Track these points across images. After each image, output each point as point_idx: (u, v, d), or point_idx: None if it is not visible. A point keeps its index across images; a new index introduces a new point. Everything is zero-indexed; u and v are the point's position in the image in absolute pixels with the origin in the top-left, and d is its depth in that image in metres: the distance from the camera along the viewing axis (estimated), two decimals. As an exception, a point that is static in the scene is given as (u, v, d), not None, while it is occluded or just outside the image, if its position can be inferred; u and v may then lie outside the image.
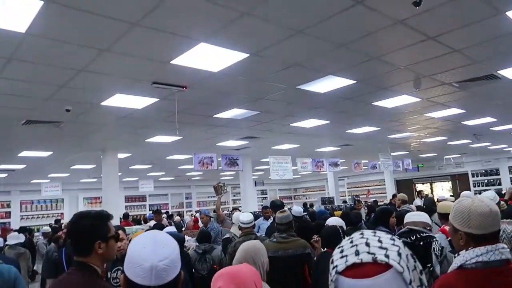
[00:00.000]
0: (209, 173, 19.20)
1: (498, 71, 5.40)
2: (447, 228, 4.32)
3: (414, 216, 3.47)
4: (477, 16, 3.63)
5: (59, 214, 18.09)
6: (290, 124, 8.24)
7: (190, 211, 21.76)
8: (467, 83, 5.86)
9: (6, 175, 13.31)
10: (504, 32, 4.09)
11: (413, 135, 11.04)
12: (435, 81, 5.67)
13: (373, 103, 6.82)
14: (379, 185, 22.92)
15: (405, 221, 3.46)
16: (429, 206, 7.52)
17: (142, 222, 11.30)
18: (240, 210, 7.65)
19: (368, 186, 23.03)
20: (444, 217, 3.97)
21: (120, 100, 5.51)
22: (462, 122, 9.41)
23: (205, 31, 3.56)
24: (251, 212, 7.03)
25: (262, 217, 7.53)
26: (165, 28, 3.43)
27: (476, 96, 6.77)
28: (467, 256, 1.63)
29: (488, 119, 9.20)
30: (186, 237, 7.05)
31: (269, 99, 6.05)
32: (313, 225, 5.50)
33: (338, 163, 11.07)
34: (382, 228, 4.25)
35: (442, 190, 22.56)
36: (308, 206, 13.92)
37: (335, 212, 6.67)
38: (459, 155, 18.59)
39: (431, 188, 22.74)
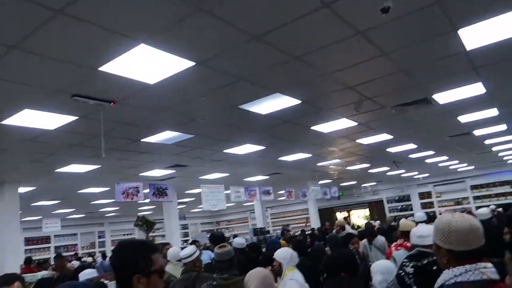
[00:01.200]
0: (125, 208, 17.65)
1: (433, 95, 5.55)
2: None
3: (425, 236, 2.92)
4: (433, 31, 3.57)
5: None
6: (224, 151, 7.73)
7: (103, 251, 19.64)
8: (403, 108, 5.96)
9: None
10: (448, 53, 4.14)
11: (339, 162, 11.22)
12: (375, 104, 5.65)
13: (311, 127, 6.65)
14: (302, 214, 23.21)
15: (412, 242, 3.09)
16: (371, 230, 7.43)
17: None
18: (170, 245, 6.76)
19: (291, 216, 23.16)
20: (405, 234, 4.32)
21: (28, 118, 4.53)
22: (387, 149, 9.76)
23: (149, 28, 2.97)
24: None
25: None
26: (95, 20, 2.77)
27: (406, 121, 6.98)
28: (446, 276, 1.57)
29: (410, 146, 9.66)
30: (105, 281, 5.97)
31: (207, 120, 5.51)
32: (262, 257, 4.97)
33: (270, 191, 10.76)
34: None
35: (358, 217, 23.56)
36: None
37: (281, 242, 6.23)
38: (375, 183, 19.62)
39: (349, 216, 23.61)
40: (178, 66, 3.63)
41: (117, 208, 16.87)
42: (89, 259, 14.18)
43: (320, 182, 14.06)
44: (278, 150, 8.31)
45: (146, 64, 3.53)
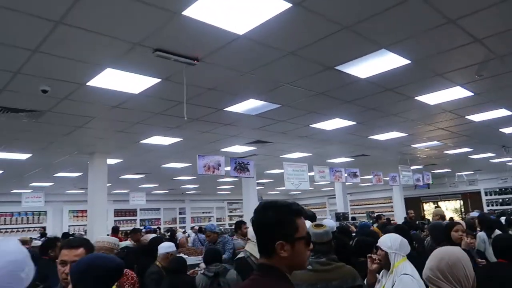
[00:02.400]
0: (205, 186, 17.94)
1: None
2: None
3: None
4: None
5: (41, 228, 16.60)
6: (310, 125, 7.08)
7: (183, 227, 20.33)
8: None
9: (-19, 182, 11.94)
10: None
11: (437, 145, 9.94)
12: (505, 65, 4.58)
13: (416, 97, 5.71)
14: (384, 202, 21.79)
15: None
16: (489, 222, 6.16)
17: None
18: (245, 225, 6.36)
19: (373, 204, 21.85)
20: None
21: (111, 79, 4.31)
22: (500, 129, 8.35)
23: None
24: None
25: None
26: None
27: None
28: None
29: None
30: (183, 255, 5.79)
31: (296, 86, 4.90)
32: (354, 244, 4.30)
33: (357, 173, 9.90)
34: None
35: (446, 210, 21.47)
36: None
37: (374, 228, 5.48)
38: (472, 172, 17.57)
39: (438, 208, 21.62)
40: (272, 9, 3.05)
41: (197, 186, 17.18)
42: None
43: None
44: (370, 127, 7.45)
45: (236, 7, 3.01)
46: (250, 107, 5.74)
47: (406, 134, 8.37)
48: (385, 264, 2.98)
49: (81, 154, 8.37)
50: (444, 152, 11.05)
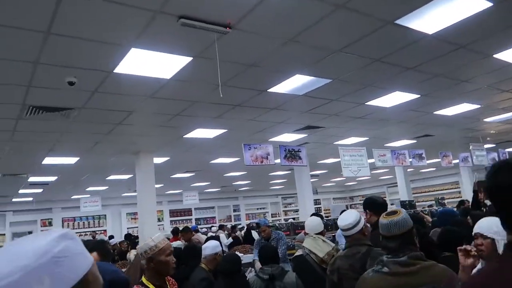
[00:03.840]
0: (257, 182, 17.49)
1: None
2: None
3: None
4: None
5: (102, 231, 17.06)
6: (366, 103, 6.29)
7: (239, 224, 20.05)
8: None
9: (41, 190, 12.30)
10: None
11: (516, 118, 8.66)
12: None
13: (494, 55, 4.75)
14: (451, 188, 20.11)
15: None
16: None
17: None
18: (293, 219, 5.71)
19: (437, 191, 20.21)
20: None
21: (138, 62, 3.88)
22: None
23: None
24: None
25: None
26: None
27: None
28: None
29: None
30: (238, 253, 5.29)
31: (349, 52, 4.18)
32: (442, 235, 3.50)
33: (423, 155, 8.86)
34: None
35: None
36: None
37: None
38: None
39: None
40: None
41: (249, 181, 16.77)
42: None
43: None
44: (436, 99, 6.49)
45: None
46: (296, 85, 5.09)
47: (478, 106, 7.28)
48: (488, 255, 2.27)
49: (127, 153, 8.18)
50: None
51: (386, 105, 6.51)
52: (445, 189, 20.13)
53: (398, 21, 3.59)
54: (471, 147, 9.48)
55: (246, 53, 3.95)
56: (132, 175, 10.89)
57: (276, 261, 3.56)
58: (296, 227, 7.17)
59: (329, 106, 6.25)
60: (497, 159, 10.46)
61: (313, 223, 3.87)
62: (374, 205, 3.47)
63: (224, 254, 4.04)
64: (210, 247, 3.79)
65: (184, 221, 18.88)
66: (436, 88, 5.82)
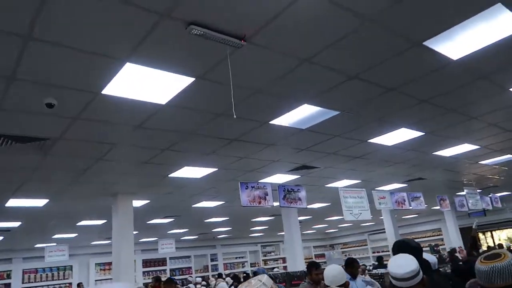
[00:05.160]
0: (238, 229, 16.63)
1: None
2: None
3: None
4: None
5: (67, 284, 15.50)
6: (368, 140, 5.92)
7: (215, 275, 18.76)
8: None
9: (1, 238, 11.06)
10: None
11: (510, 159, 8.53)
12: None
13: (510, 89, 4.53)
14: (433, 235, 19.79)
15: None
16: None
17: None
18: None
19: (421, 238, 19.81)
20: None
21: (131, 82, 3.36)
22: None
23: None
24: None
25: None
26: None
27: None
28: None
29: None
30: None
31: (365, 79, 3.82)
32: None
33: (421, 197, 8.49)
34: None
35: (499, 240, 19.24)
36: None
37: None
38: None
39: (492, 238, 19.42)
40: None
41: (230, 228, 15.92)
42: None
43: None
44: (439, 137, 6.20)
45: None
46: (301, 117, 4.66)
47: (478, 147, 7.07)
48: None
49: (104, 195, 7.40)
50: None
51: (389, 143, 6.16)
52: (428, 236, 19.79)
53: (427, 43, 3.28)
54: (465, 191, 9.22)
55: (257, 74, 3.51)
56: (106, 221, 9.97)
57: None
58: (292, 277, 6.47)
59: (330, 143, 5.83)
60: (490, 204, 10.25)
61: (334, 273, 3.28)
62: (408, 250, 2.94)
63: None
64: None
65: (158, 271, 17.52)
66: (443, 125, 5.54)
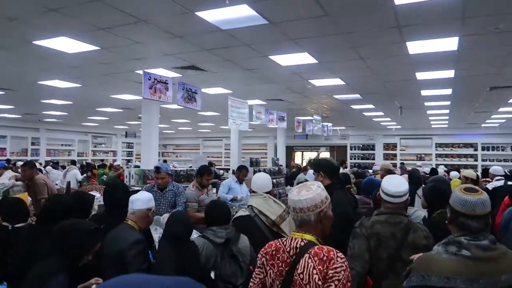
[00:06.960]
0: (72, 116, 15.08)
1: None
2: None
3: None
4: None
5: None
6: (269, 56, 5.97)
7: (36, 160, 16.88)
8: None
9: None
10: None
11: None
12: None
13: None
14: (260, 149, 22.25)
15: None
16: (417, 178, 6.61)
17: None
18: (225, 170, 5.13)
19: (249, 150, 21.99)
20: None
21: None
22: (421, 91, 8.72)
23: None
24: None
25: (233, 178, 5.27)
26: None
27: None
28: None
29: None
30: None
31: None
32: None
33: (284, 118, 9.25)
34: None
35: (309, 158, 23.20)
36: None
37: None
38: (344, 128, 19.03)
39: (302, 157, 23.15)
40: None
41: (65, 113, 14.27)
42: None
43: (307, 117, 12.80)
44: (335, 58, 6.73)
45: None
46: (230, 16, 4.32)
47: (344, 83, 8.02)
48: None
49: None
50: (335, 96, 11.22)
51: (282, 63, 6.36)
52: (259, 149, 22.19)
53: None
54: (314, 117, 10.49)
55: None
56: None
57: (227, 220, 2.99)
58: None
59: (235, 50, 5.65)
60: (325, 131, 12.00)
61: (262, 181, 3.42)
62: (330, 168, 3.30)
63: (171, 213, 3.18)
64: (142, 200, 2.88)
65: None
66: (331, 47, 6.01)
